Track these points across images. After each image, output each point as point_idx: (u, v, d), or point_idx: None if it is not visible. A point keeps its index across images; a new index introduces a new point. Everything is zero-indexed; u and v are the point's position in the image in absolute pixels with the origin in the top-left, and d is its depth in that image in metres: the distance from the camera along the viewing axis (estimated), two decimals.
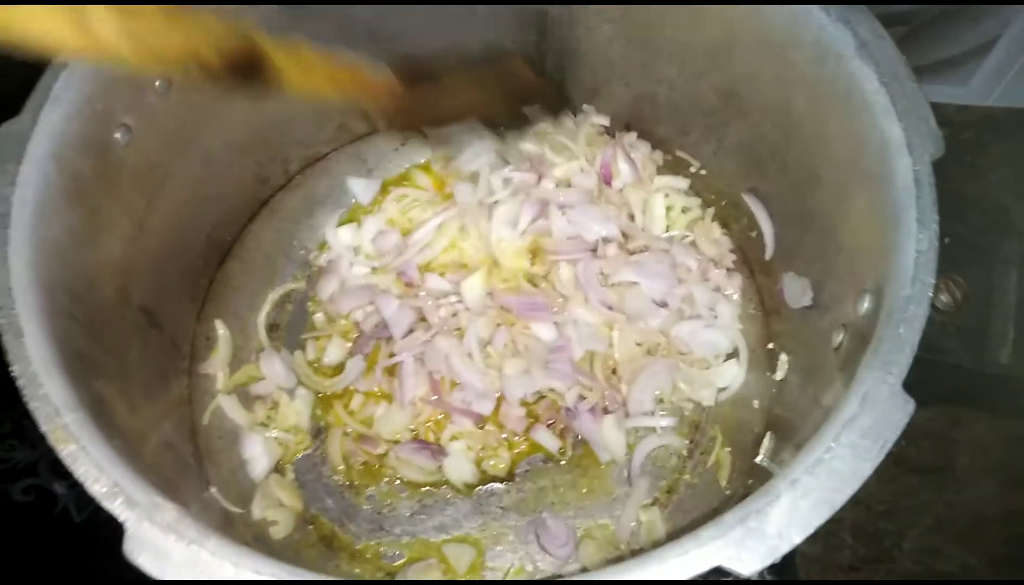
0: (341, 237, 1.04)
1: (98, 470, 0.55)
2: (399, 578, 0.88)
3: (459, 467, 0.92)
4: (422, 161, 1.10)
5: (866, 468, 0.52)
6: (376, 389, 0.96)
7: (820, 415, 0.63)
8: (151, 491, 0.55)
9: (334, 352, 0.98)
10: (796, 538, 0.50)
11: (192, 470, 0.87)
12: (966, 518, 1.04)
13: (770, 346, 0.92)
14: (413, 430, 0.94)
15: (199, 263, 0.98)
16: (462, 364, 0.92)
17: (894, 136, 0.63)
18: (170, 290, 0.92)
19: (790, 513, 0.51)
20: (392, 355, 0.94)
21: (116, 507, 0.53)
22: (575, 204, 0.97)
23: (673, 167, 1.02)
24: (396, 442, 0.93)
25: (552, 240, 0.97)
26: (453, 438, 0.92)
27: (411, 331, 0.96)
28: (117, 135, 0.76)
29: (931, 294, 0.55)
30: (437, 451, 0.91)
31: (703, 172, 0.99)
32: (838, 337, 0.69)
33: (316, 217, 1.07)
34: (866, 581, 1.01)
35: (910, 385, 0.55)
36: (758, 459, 0.85)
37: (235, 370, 0.97)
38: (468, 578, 0.87)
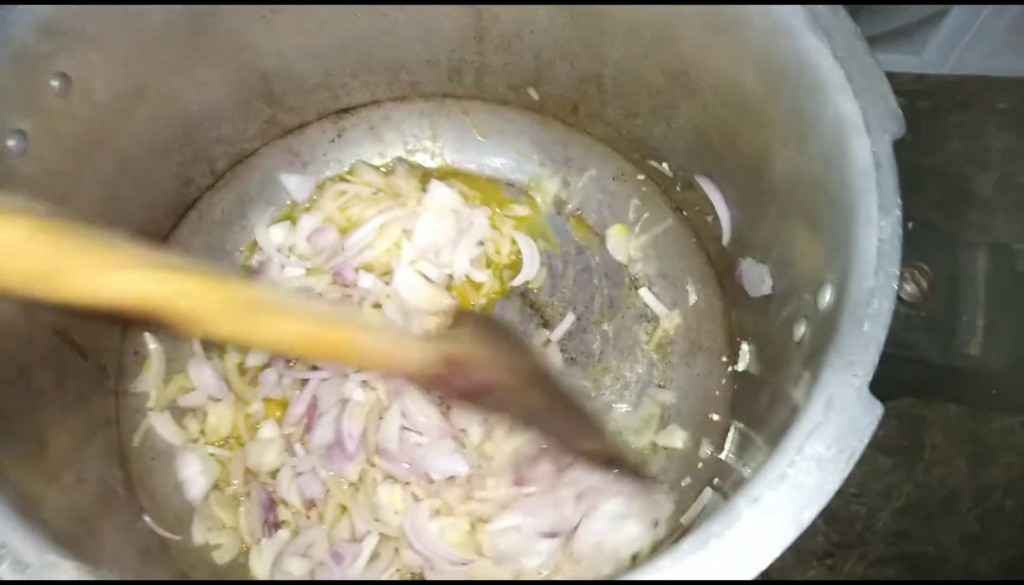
0: (272, 237, 0.98)
1: None
2: None
3: None
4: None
5: (833, 481, 0.47)
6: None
7: (787, 412, 0.59)
8: (46, 548, 0.49)
9: (255, 357, 0.92)
10: (761, 563, 0.46)
11: (120, 500, 0.81)
12: (937, 497, 1.03)
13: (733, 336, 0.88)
14: None
15: None
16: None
17: (850, 115, 0.58)
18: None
19: (752, 535, 0.46)
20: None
21: (2, 571, 0.47)
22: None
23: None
24: None
25: None
26: None
27: None
28: (10, 143, 0.69)
29: (896, 286, 0.51)
30: None
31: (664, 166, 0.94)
32: (800, 330, 0.64)
33: (249, 217, 1.01)
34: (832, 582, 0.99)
35: (876, 383, 0.52)
36: (723, 455, 0.82)
37: (167, 385, 0.91)
38: None
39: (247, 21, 0.84)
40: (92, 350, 0.86)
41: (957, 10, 1.11)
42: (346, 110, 1.03)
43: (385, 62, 0.96)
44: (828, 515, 1.03)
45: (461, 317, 0.68)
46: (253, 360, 0.93)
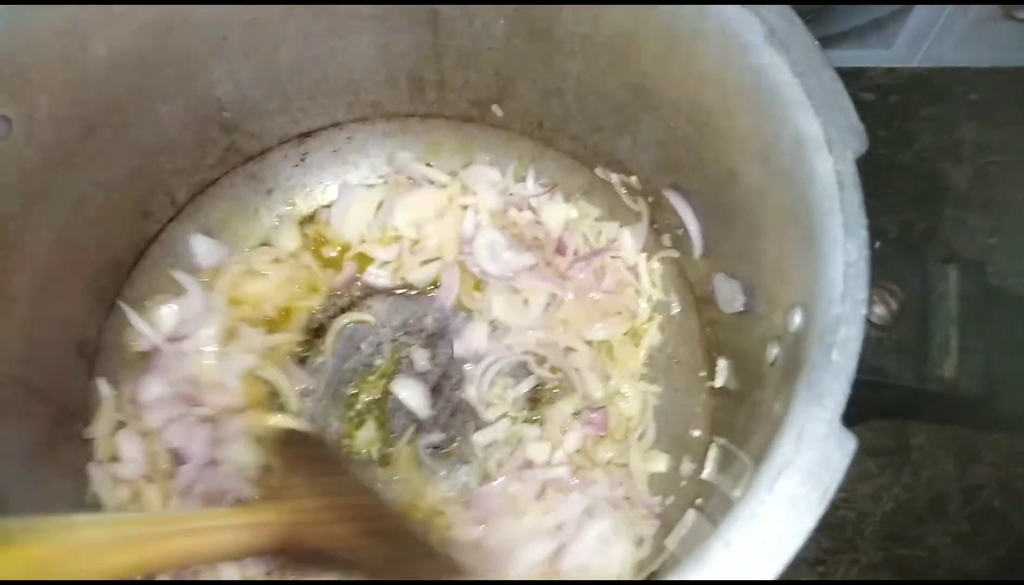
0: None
1: None
2: None
3: None
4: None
5: (807, 521, 0.46)
6: None
7: (765, 431, 0.57)
8: None
9: None
10: None
11: None
12: (925, 499, 1.02)
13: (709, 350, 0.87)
14: None
15: (82, 316, 0.88)
16: None
17: (812, 133, 0.56)
18: (49, 352, 0.83)
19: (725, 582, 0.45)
20: None
21: None
22: None
23: None
24: None
25: None
26: None
27: None
28: None
29: (864, 312, 0.49)
30: None
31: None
32: (773, 351, 0.63)
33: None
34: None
35: (850, 407, 0.50)
36: (704, 475, 0.80)
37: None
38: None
39: (197, 49, 0.82)
40: (57, 395, 0.83)
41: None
42: (307, 134, 1.00)
43: (343, 83, 0.94)
44: (818, 520, 1.04)
45: (283, 451, 0.66)
46: None
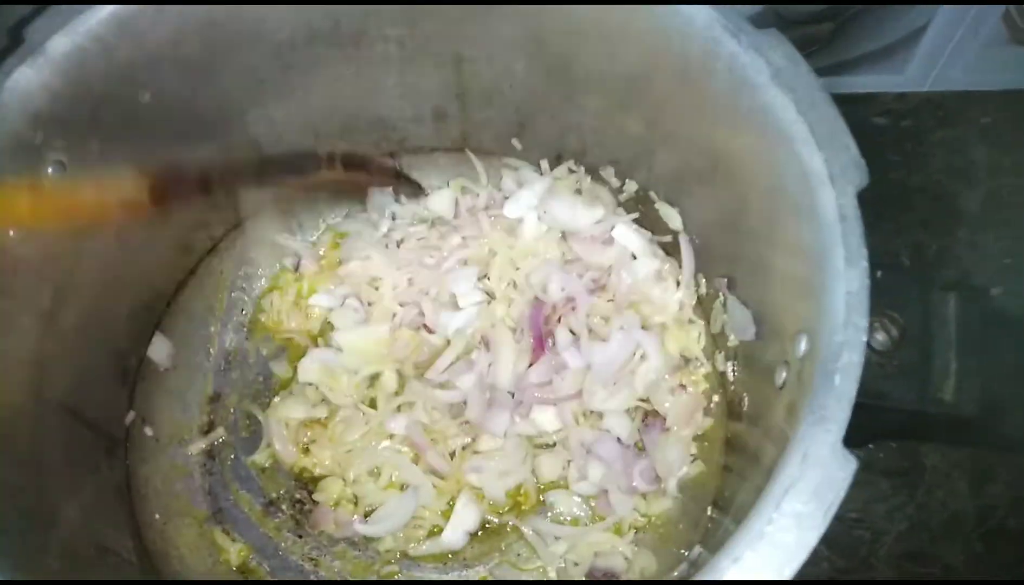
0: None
1: None
2: None
3: None
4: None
5: (811, 538, 0.49)
6: None
7: (767, 465, 0.60)
8: None
9: None
10: None
11: (134, 570, 0.83)
12: (939, 518, 1.03)
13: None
14: None
15: (124, 345, 0.93)
16: None
17: (815, 167, 0.60)
18: (93, 380, 0.88)
19: None
20: None
21: None
22: None
23: None
24: None
25: None
26: None
27: None
28: (11, 232, 0.72)
29: (865, 338, 0.53)
30: None
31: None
32: (781, 375, 0.66)
33: (249, 279, 1.03)
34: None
35: (854, 430, 0.53)
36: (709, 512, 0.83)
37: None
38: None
39: (236, 91, 0.87)
40: (102, 421, 0.88)
41: (935, 27, 1.12)
42: None
43: (371, 121, 0.99)
44: (832, 541, 1.05)
45: None
46: None
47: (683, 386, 0.87)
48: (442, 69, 0.91)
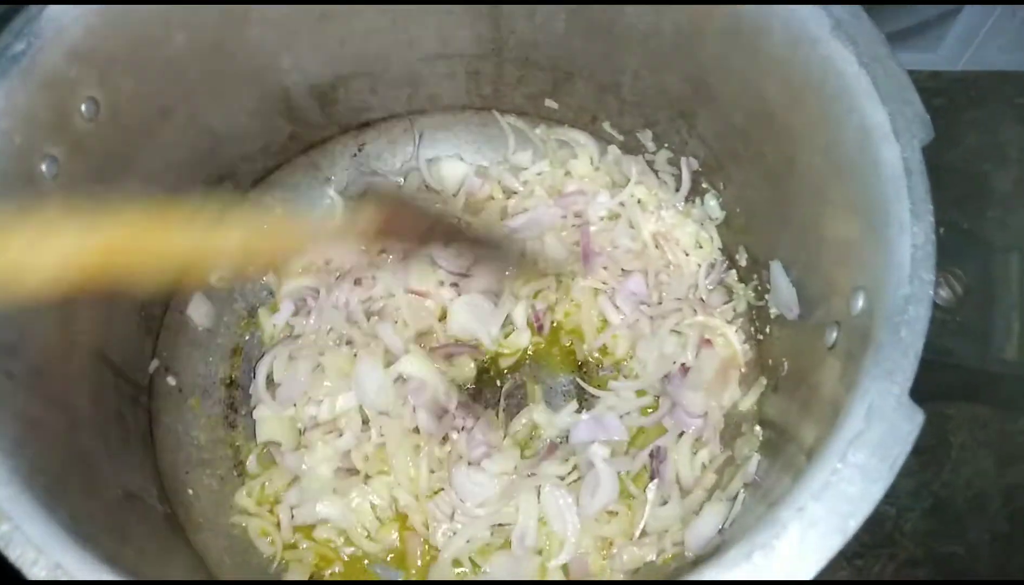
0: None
1: (36, 551, 0.50)
2: None
3: None
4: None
5: (876, 490, 0.48)
6: None
7: (821, 418, 0.59)
8: (101, 567, 0.50)
9: None
10: (807, 573, 0.46)
11: (158, 516, 0.82)
12: (965, 496, 1.02)
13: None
14: None
15: (151, 291, 0.92)
16: None
17: (878, 122, 0.59)
18: (121, 326, 0.86)
19: (799, 545, 0.47)
20: None
21: None
22: None
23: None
24: None
25: None
26: None
27: None
28: (42, 167, 0.70)
29: (931, 292, 0.51)
30: None
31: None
32: (832, 335, 0.64)
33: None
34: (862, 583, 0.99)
35: (912, 389, 0.52)
36: (751, 467, 0.81)
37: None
38: None
39: (270, 40, 0.85)
40: (127, 367, 0.87)
41: (971, 6, 1.11)
42: (366, 124, 1.03)
43: (404, 76, 0.97)
44: None
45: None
46: None
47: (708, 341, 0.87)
48: (479, 22, 0.89)
